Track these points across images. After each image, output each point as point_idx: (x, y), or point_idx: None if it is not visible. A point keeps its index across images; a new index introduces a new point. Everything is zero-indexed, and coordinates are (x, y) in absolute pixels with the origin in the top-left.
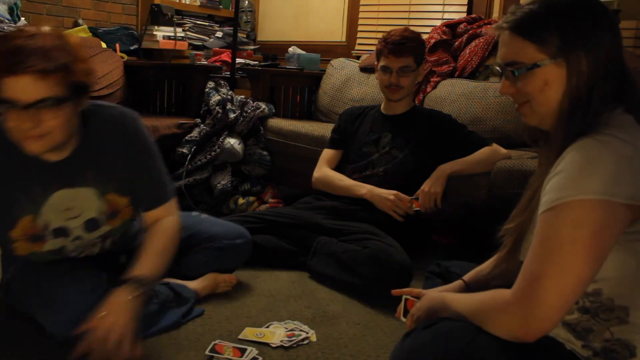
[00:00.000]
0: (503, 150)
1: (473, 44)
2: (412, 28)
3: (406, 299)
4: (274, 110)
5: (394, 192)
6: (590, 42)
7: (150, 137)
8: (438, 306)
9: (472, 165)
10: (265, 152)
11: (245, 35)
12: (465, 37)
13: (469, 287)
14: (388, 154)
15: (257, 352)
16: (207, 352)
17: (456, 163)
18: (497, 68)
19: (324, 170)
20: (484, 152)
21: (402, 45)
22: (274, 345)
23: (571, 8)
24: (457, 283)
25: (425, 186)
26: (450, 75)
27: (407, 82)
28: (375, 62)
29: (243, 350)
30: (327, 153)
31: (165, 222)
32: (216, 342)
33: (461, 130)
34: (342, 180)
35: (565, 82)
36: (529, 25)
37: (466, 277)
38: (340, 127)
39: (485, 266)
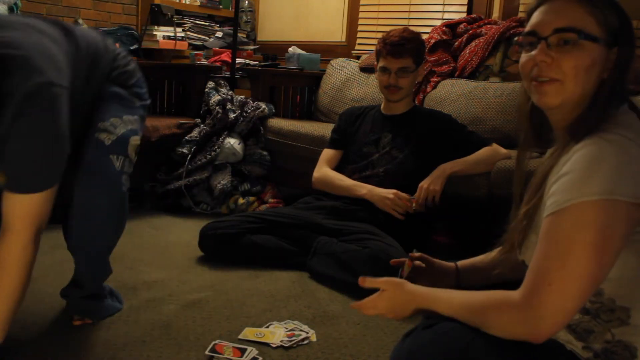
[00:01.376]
0: (503, 150)
1: (473, 44)
2: (412, 28)
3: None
4: (274, 110)
5: (394, 190)
6: (632, 37)
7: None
8: (407, 301)
9: (473, 165)
10: (265, 152)
11: (245, 35)
12: (465, 37)
13: (459, 273)
14: (388, 154)
15: (257, 352)
16: (207, 352)
17: (457, 163)
18: (524, 39)
19: (324, 170)
20: (484, 152)
21: (401, 47)
22: (274, 345)
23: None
24: (450, 266)
25: (425, 183)
26: (450, 75)
27: (406, 83)
28: (375, 63)
29: (243, 350)
30: (327, 153)
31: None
32: (216, 342)
33: (461, 130)
34: (342, 180)
35: (608, 69)
36: None
37: (460, 263)
38: (340, 127)
39: (483, 258)
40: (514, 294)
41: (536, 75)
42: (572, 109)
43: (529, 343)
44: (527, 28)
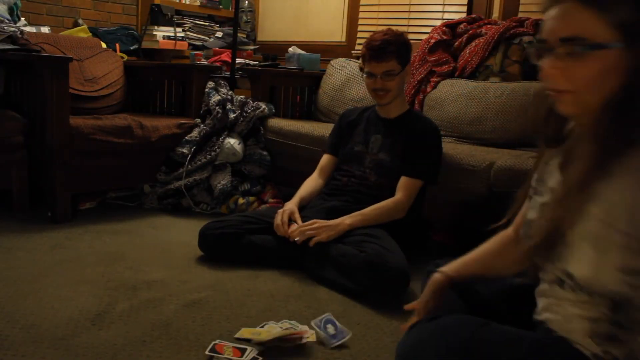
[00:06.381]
0: (403, 209)
1: (473, 44)
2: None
3: None
4: (274, 110)
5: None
6: None
7: None
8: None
9: (372, 220)
10: (265, 152)
11: (245, 35)
12: (465, 37)
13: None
14: (376, 156)
15: (257, 352)
16: (207, 352)
17: (357, 218)
18: (536, 47)
19: (307, 180)
20: (386, 207)
21: (383, 50)
22: (269, 345)
23: None
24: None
25: (320, 224)
26: (450, 75)
27: (393, 85)
28: (362, 66)
29: (243, 350)
30: (323, 159)
31: None
32: (216, 342)
33: (424, 150)
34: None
35: (628, 72)
36: None
37: (456, 276)
38: (339, 129)
39: (477, 257)
40: None
41: (549, 85)
42: (600, 114)
43: (531, 337)
44: (541, 32)
